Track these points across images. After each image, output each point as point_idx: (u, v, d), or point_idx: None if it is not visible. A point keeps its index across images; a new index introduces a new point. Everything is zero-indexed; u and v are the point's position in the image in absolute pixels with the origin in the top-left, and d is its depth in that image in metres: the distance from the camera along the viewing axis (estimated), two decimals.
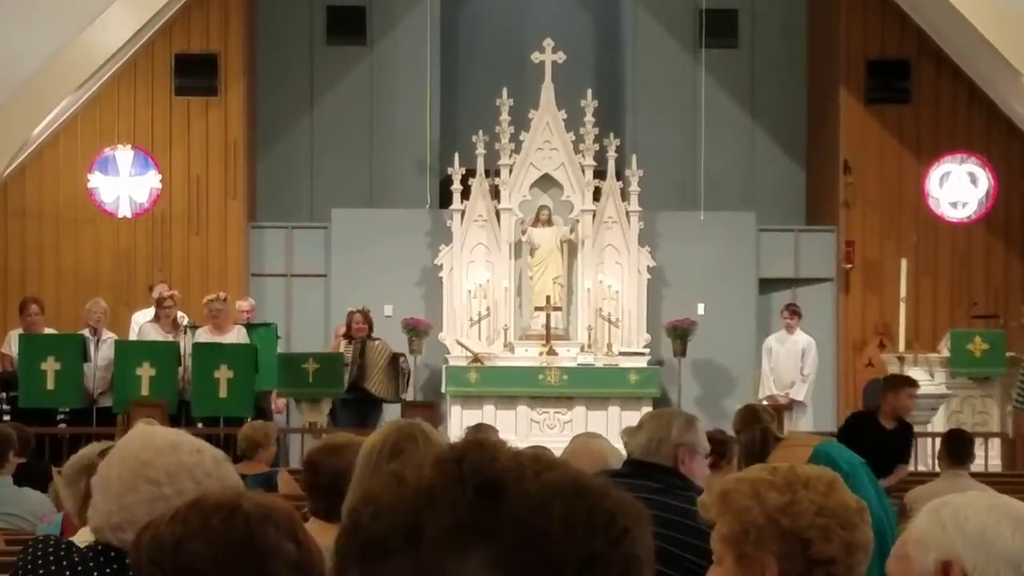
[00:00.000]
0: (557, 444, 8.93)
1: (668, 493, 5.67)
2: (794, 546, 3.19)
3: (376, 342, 17.93)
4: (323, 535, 5.05)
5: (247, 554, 2.44)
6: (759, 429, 11.14)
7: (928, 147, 21.06)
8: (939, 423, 15.87)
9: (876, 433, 12.00)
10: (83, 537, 4.14)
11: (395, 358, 17.91)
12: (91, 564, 3.49)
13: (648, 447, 5.82)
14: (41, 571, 3.51)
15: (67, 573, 3.50)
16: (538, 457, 1.48)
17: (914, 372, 16.66)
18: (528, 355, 19.28)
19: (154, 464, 3.46)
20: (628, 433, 5.96)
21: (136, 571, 2.50)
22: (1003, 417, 16.80)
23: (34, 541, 3.62)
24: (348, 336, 17.90)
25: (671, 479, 5.77)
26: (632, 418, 17.80)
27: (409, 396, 18.45)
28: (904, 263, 17.48)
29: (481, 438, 1.54)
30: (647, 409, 18.08)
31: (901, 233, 20.76)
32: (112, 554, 3.48)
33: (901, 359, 16.91)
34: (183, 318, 16.89)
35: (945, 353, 17.21)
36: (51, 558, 3.53)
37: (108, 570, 3.47)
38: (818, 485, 3.22)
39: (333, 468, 5.06)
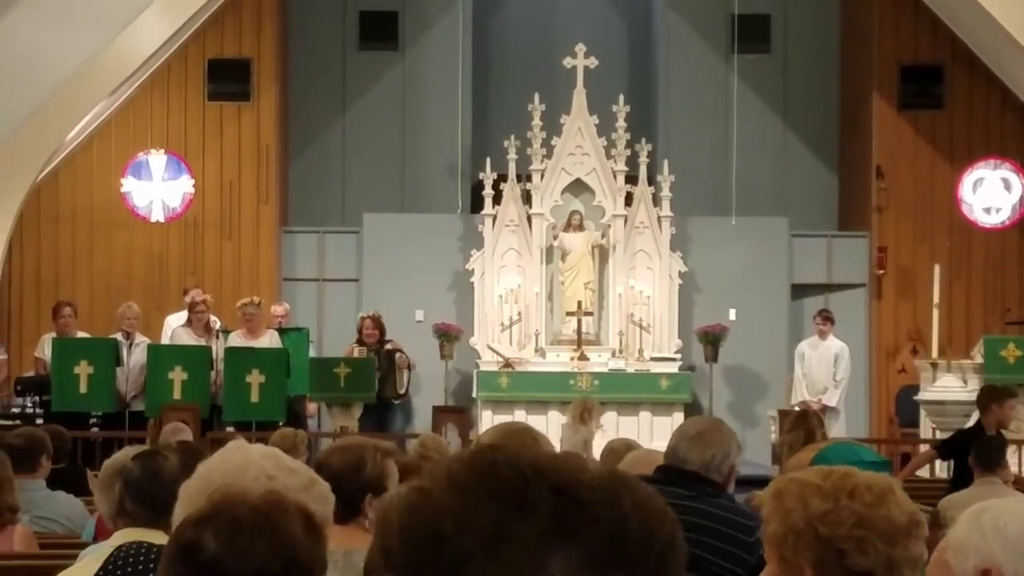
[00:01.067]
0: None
1: (700, 500, 5.67)
2: (830, 555, 3.12)
3: (389, 349, 17.96)
4: (338, 538, 5.03)
5: (262, 539, 2.48)
6: (804, 430, 11.28)
7: (961, 152, 20.99)
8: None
9: None
10: (115, 541, 4.15)
11: (390, 355, 17.88)
12: None
13: (711, 463, 5.80)
14: (129, 570, 3.52)
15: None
16: (568, 456, 1.48)
17: (947, 379, 16.61)
18: (559, 360, 19.26)
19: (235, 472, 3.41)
20: (684, 440, 5.90)
21: (205, 566, 2.50)
22: None
23: (117, 548, 3.63)
24: (361, 342, 17.91)
25: (703, 487, 5.76)
26: (663, 424, 17.89)
27: (406, 391, 18.40)
28: (937, 269, 17.41)
29: (498, 444, 1.53)
30: (678, 415, 18.09)
31: (934, 239, 20.69)
32: None
33: (934, 365, 16.83)
34: (215, 322, 16.92)
35: (978, 359, 17.11)
36: (134, 560, 3.53)
37: None
38: (865, 495, 3.13)
39: (340, 464, 5.01)
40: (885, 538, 3.07)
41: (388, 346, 18.01)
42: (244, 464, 3.51)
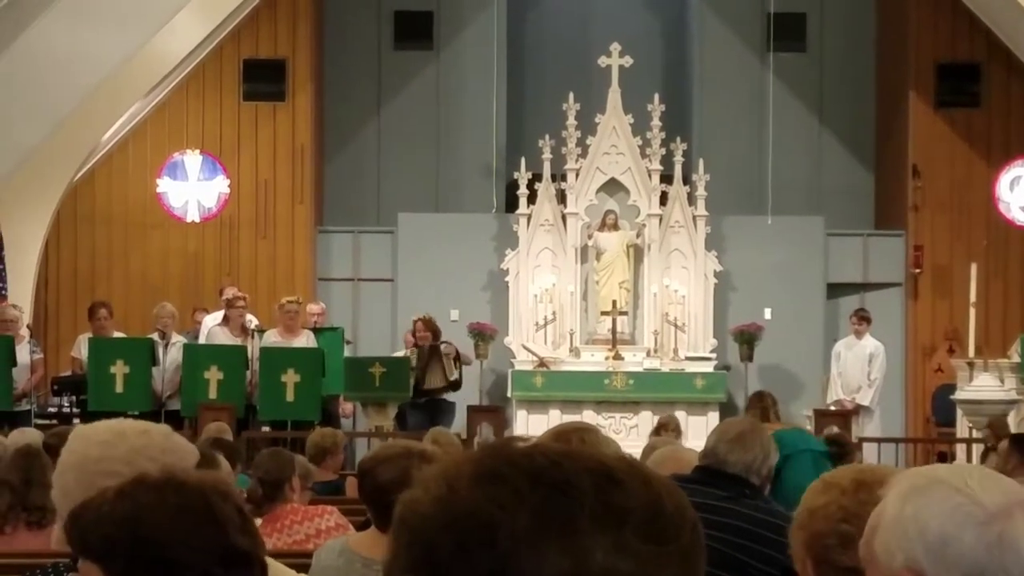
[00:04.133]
0: (625, 449, 8.93)
1: (737, 501, 5.68)
2: (820, 551, 3.10)
3: (445, 344, 17.96)
4: (375, 545, 5.02)
5: (207, 523, 2.49)
6: (759, 409, 11.66)
7: (998, 151, 20.91)
8: (1011, 429, 15.73)
9: None
10: None
11: (434, 349, 17.90)
12: None
13: (752, 465, 5.82)
14: None
15: None
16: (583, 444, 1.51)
17: (984, 378, 16.54)
18: (594, 360, 19.26)
19: (108, 457, 3.42)
20: (724, 442, 5.91)
21: (78, 550, 2.52)
22: None
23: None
24: (417, 345, 17.92)
25: (740, 488, 5.77)
26: (698, 424, 17.86)
27: (459, 378, 18.37)
28: (974, 267, 17.34)
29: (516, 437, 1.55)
30: (713, 415, 18.08)
31: (971, 237, 20.62)
32: None
33: (971, 364, 16.76)
34: (251, 321, 16.98)
35: (1016, 358, 17.04)
36: None
37: None
38: (861, 490, 3.08)
39: (387, 478, 5.03)
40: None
41: (443, 347, 17.99)
42: (120, 430, 3.54)
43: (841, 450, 10.40)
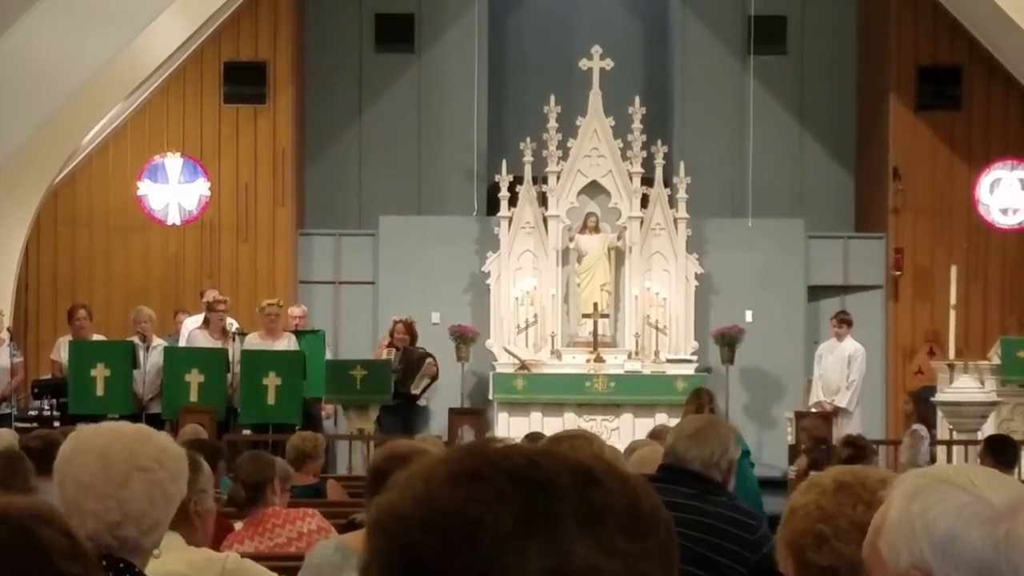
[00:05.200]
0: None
1: (702, 498, 5.72)
2: (798, 550, 3.10)
3: (419, 351, 17.98)
4: None
5: (27, 554, 2.47)
6: (695, 405, 12.08)
7: (979, 154, 20.97)
8: (989, 430, 15.78)
9: None
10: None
11: (421, 357, 17.92)
12: None
13: (711, 460, 5.84)
14: None
15: None
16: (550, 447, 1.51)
17: (964, 380, 16.58)
18: (575, 362, 19.25)
19: (142, 453, 3.48)
20: (682, 439, 5.95)
21: None
22: None
23: None
24: (392, 345, 17.95)
25: (705, 485, 5.80)
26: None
27: (421, 397, 18.44)
28: (954, 270, 17.36)
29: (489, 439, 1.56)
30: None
31: (951, 240, 20.68)
32: (121, 566, 3.43)
33: (951, 367, 16.79)
34: (232, 324, 16.96)
35: (995, 360, 17.09)
36: None
37: None
38: (839, 492, 3.10)
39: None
40: (840, 536, 3.04)
41: (420, 350, 18.02)
42: (147, 431, 3.63)
43: (859, 452, 10.46)
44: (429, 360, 18.15)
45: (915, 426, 13.34)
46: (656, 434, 12.80)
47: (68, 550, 2.51)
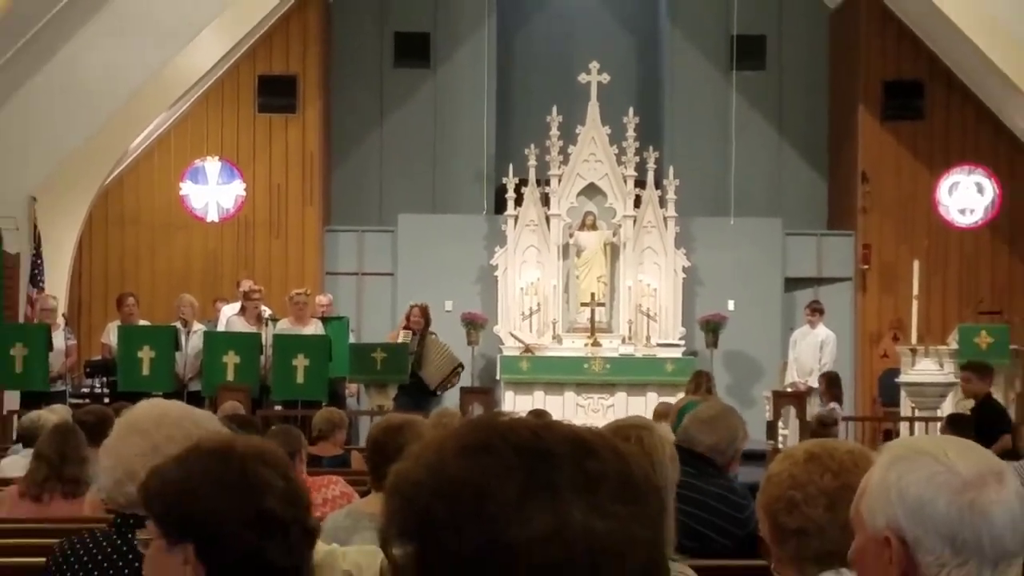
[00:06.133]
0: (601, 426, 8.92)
1: (700, 477, 5.72)
2: (772, 514, 3.11)
3: (433, 336, 17.96)
4: (380, 504, 5.05)
5: (243, 491, 2.46)
6: (695, 383, 12.30)
7: (939, 159, 20.95)
8: (947, 408, 15.79)
9: None
10: None
11: (456, 369, 17.86)
12: (117, 540, 3.43)
13: (717, 446, 5.85)
14: (84, 557, 3.43)
15: (105, 548, 3.44)
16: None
17: (925, 363, 16.59)
18: (574, 346, 19.27)
19: (142, 418, 3.47)
20: (696, 423, 5.94)
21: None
22: (1006, 402, 16.69)
23: (60, 543, 3.57)
24: (408, 328, 17.95)
25: (706, 467, 5.80)
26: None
27: (433, 387, 18.35)
28: (917, 264, 17.37)
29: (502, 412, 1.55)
30: (681, 396, 18.05)
31: (914, 237, 20.65)
32: (134, 519, 3.37)
33: (913, 351, 16.81)
34: (265, 311, 16.96)
35: (954, 346, 17.10)
36: (80, 551, 3.44)
37: (131, 536, 3.38)
38: (808, 462, 3.09)
39: (395, 446, 5.05)
40: (809, 501, 3.03)
41: (434, 337, 17.96)
42: (167, 405, 3.61)
43: (824, 426, 10.87)
44: (460, 367, 18.01)
45: (832, 405, 13.63)
46: (660, 413, 12.85)
47: (284, 492, 2.49)
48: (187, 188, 20.75)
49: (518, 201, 19.89)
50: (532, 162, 19.83)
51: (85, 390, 16.33)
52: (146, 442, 3.41)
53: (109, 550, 3.41)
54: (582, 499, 1.38)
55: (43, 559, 3.61)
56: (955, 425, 10.69)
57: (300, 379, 15.58)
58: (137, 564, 3.36)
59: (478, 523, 1.37)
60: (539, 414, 10.85)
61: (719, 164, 21.74)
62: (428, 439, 1.51)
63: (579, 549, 1.36)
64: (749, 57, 21.95)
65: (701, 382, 13.27)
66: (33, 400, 14.35)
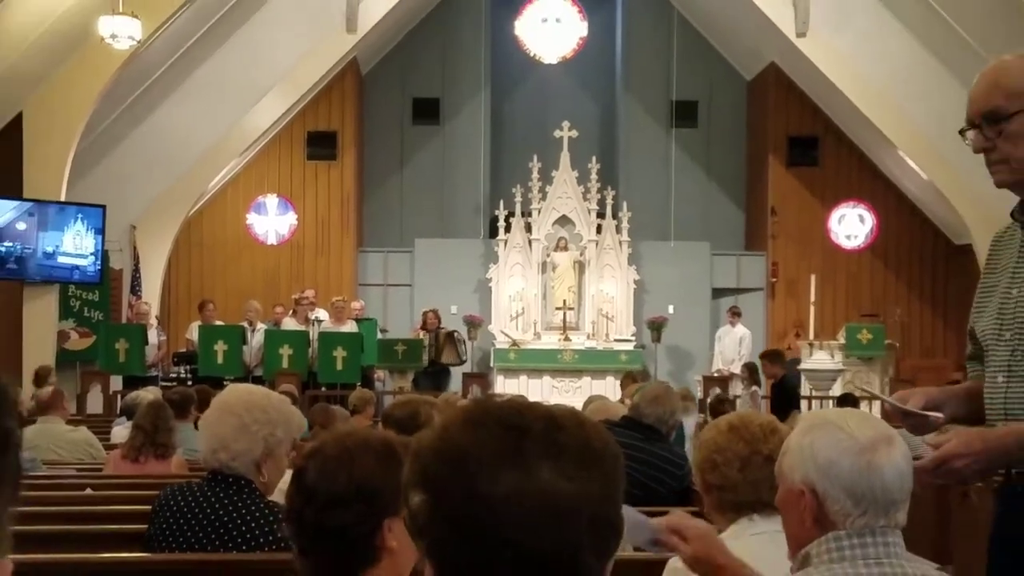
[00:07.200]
0: (572, 403, 8.92)
1: (647, 442, 5.70)
2: (700, 472, 3.09)
3: (443, 331, 17.95)
4: None
5: (397, 466, 2.31)
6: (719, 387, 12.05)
7: (830, 197, 20.97)
8: (837, 389, 15.80)
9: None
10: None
11: (451, 335, 17.90)
12: (214, 487, 3.46)
13: (661, 417, 5.83)
14: (181, 501, 3.49)
15: (198, 496, 3.48)
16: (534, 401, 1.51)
17: (820, 354, 16.59)
18: (551, 341, 19.28)
19: (234, 402, 3.46)
20: (644, 400, 5.92)
21: (304, 488, 2.35)
22: (881, 386, 16.71)
23: (164, 489, 3.60)
24: (424, 328, 17.93)
25: (653, 435, 5.79)
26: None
27: (468, 359, 18.42)
28: (813, 278, 17.39)
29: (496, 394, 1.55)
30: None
31: (811, 257, 20.67)
32: (222, 476, 3.44)
33: (811, 345, 16.82)
34: (319, 314, 16.93)
35: (842, 341, 17.12)
36: (179, 497, 3.50)
37: (224, 487, 3.44)
38: (730, 431, 3.06)
39: (401, 415, 5.00)
40: (726, 463, 3.01)
41: (444, 330, 17.98)
42: (251, 390, 3.58)
43: (720, 402, 10.88)
44: (457, 333, 18.18)
45: (754, 387, 13.66)
46: (631, 377, 12.98)
47: (377, 472, 2.30)
48: (252, 218, 20.71)
49: (507, 228, 19.91)
50: (518, 199, 19.85)
51: (173, 375, 16.27)
52: (236, 420, 3.43)
53: (200, 498, 3.47)
54: (547, 462, 1.37)
55: (139, 506, 3.63)
56: (844, 404, 10.69)
57: (339, 367, 15.55)
58: (221, 510, 3.41)
59: (460, 479, 1.37)
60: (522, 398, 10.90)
61: (662, 199, 21.75)
62: (444, 414, 1.50)
63: (545, 502, 1.36)
64: (685, 117, 21.98)
65: (635, 380, 13.17)
66: (132, 383, 14.35)
